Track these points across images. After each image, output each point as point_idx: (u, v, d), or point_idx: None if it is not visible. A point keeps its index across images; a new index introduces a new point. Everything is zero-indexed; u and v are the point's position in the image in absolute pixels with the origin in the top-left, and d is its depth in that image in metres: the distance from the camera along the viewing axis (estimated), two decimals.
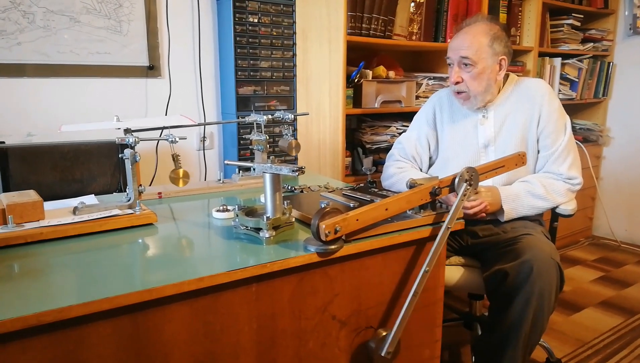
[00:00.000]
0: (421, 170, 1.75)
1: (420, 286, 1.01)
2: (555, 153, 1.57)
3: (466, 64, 1.55)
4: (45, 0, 1.85)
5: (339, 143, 2.12)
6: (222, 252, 0.96)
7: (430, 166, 1.77)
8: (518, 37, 2.82)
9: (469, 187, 1.13)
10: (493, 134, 1.62)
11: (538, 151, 1.61)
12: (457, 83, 1.58)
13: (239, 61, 2.11)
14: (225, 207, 1.18)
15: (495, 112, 1.63)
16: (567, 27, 3.08)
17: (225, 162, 1.56)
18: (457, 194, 1.12)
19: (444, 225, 1.07)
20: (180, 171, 1.19)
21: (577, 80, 3.16)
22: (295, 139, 2.30)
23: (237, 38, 2.08)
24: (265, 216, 1.00)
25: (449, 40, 2.40)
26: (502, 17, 2.66)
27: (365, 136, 2.34)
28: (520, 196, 1.54)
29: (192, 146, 2.27)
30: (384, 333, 1.04)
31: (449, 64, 1.61)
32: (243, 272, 0.86)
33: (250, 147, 2.15)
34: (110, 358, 0.78)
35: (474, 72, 1.55)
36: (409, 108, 2.36)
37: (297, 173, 0.98)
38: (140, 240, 1.03)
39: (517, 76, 1.70)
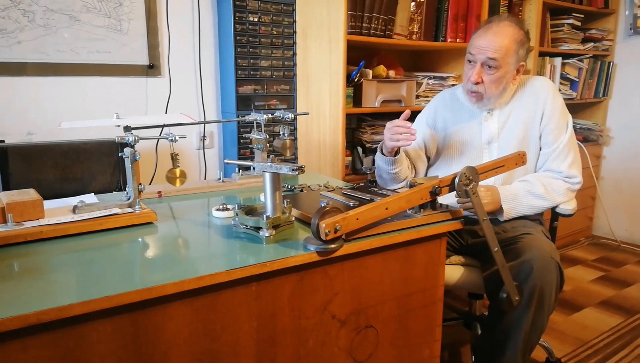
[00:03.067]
0: (414, 167, 1.75)
1: (501, 260, 1.19)
2: (556, 151, 1.58)
3: (490, 66, 1.52)
4: None
5: (339, 142, 2.12)
6: (222, 251, 0.96)
7: (429, 166, 1.78)
8: None
9: (471, 187, 1.13)
10: (496, 131, 1.62)
11: (540, 148, 1.61)
12: (476, 83, 1.55)
13: (239, 60, 2.11)
14: (225, 206, 1.18)
15: (500, 109, 1.63)
16: (568, 26, 3.08)
17: (225, 161, 1.56)
18: (469, 196, 1.13)
19: (481, 219, 1.14)
20: (177, 171, 1.19)
21: (577, 80, 3.16)
22: (295, 138, 2.31)
23: (238, 37, 2.08)
24: (265, 215, 1.00)
25: (449, 39, 2.40)
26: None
27: (365, 136, 2.34)
28: (520, 195, 1.54)
29: (192, 145, 2.27)
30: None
31: (469, 61, 1.57)
32: (243, 271, 0.86)
33: (250, 146, 2.15)
34: (110, 356, 0.78)
35: (496, 76, 1.53)
36: (409, 107, 2.35)
37: (297, 172, 0.98)
38: (140, 239, 1.03)
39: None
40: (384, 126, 2.36)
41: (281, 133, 1.47)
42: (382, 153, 1.62)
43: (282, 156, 2.15)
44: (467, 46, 1.60)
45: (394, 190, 1.40)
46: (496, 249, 1.17)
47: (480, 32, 1.56)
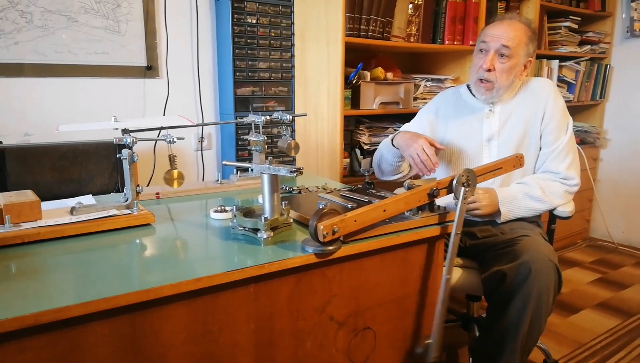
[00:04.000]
0: None
1: (447, 294, 1.07)
2: (555, 151, 1.58)
3: (502, 55, 1.55)
4: (43, 0, 1.85)
5: (337, 144, 2.12)
6: (220, 253, 0.96)
7: None
8: None
9: (467, 189, 1.13)
10: (497, 129, 1.63)
11: (540, 148, 1.62)
12: (489, 70, 1.56)
13: (237, 62, 2.11)
14: (223, 208, 1.18)
15: (502, 107, 1.64)
16: (565, 29, 3.09)
17: (223, 163, 1.56)
18: (458, 199, 1.12)
19: (453, 232, 1.09)
20: (175, 173, 1.19)
21: (574, 82, 3.17)
22: (294, 140, 2.31)
23: (236, 39, 2.08)
24: (263, 217, 1.00)
25: (447, 42, 2.41)
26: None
27: (363, 137, 2.34)
28: (517, 198, 1.54)
29: (190, 146, 2.27)
30: (427, 341, 1.10)
31: (481, 50, 1.59)
32: (241, 273, 0.86)
33: (248, 148, 2.14)
34: (108, 358, 0.78)
35: (508, 65, 1.55)
36: (407, 110, 2.36)
37: (295, 174, 0.98)
38: (137, 241, 1.03)
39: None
40: (382, 128, 2.38)
41: (283, 134, 1.47)
42: (393, 144, 1.63)
43: (281, 157, 2.16)
44: (479, 37, 1.63)
45: (392, 192, 1.40)
46: (448, 277, 1.12)
47: (495, 23, 1.60)
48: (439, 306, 1.09)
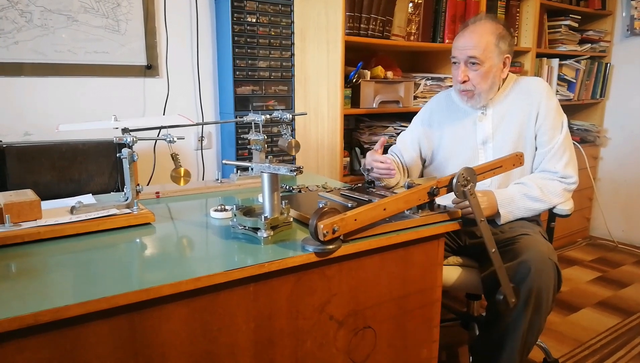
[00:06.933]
0: (404, 166, 1.77)
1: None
2: (551, 151, 1.58)
3: (473, 63, 1.55)
4: None
5: (337, 143, 2.12)
6: (219, 252, 0.96)
7: (425, 167, 1.79)
8: (516, 38, 2.82)
9: (469, 188, 1.13)
10: (491, 131, 1.63)
11: (536, 148, 1.62)
12: (463, 82, 1.58)
13: (237, 61, 2.11)
14: (223, 207, 1.18)
15: (494, 109, 1.64)
16: (565, 28, 3.09)
17: (224, 162, 1.56)
18: (462, 196, 1.13)
19: (478, 220, 1.14)
20: (182, 170, 1.19)
21: (574, 81, 3.17)
22: (294, 138, 2.31)
23: (236, 38, 2.08)
24: (263, 216, 1.00)
25: (447, 40, 2.41)
26: (500, 17, 2.67)
27: (364, 136, 2.34)
28: (516, 199, 1.54)
29: (190, 145, 2.27)
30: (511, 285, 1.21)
31: (454, 63, 1.61)
32: (241, 272, 0.86)
33: (248, 147, 2.15)
34: (107, 358, 0.78)
35: (481, 71, 1.56)
36: (407, 108, 2.36)
37: (295, 173, 0.98)
38: (137, 240, 1.03)
39: (516, 75, 1.71)
40: (382, 126, 2.38)
41: (283, 133, 1.47)
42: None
43: (281, 156, 2.16)
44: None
45: (392, 190, 1.40)
46: (493, 250, 1.16)
47: (459, 34, 1.61)
48: (499, 267, 1.19)
